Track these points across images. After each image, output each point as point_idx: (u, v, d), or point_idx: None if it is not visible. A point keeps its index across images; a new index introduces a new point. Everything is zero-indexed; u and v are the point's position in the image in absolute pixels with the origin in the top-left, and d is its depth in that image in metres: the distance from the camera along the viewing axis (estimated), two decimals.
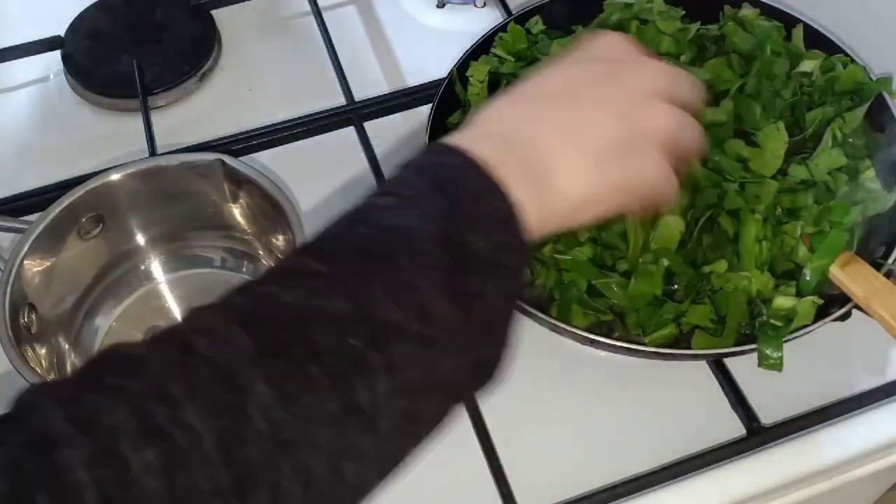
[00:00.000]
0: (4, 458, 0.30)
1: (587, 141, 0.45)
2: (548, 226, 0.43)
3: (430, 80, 0.78)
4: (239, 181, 0.63)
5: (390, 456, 0.38)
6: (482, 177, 0.41)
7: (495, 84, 0.71)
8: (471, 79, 0.71)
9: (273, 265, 0.42)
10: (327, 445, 0.34)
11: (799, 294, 0.58)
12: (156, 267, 0.68)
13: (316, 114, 0.78)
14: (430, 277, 0.38)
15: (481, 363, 0.40)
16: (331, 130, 0.78)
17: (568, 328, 0.58)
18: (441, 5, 0.88)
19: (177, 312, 0.66)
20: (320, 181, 0.74)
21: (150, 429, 0.31)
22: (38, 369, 0.55)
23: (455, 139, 0.43)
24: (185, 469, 0.31)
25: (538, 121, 0.45)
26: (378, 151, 0.75)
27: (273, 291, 0.37)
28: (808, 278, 0.59)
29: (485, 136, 0.44)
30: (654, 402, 0.61)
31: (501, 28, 0.74)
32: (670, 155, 0.47)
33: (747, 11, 0.71)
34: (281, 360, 0.34)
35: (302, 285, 0.37)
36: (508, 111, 0.46)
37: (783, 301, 0.57)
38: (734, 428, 0.59)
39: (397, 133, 0.77)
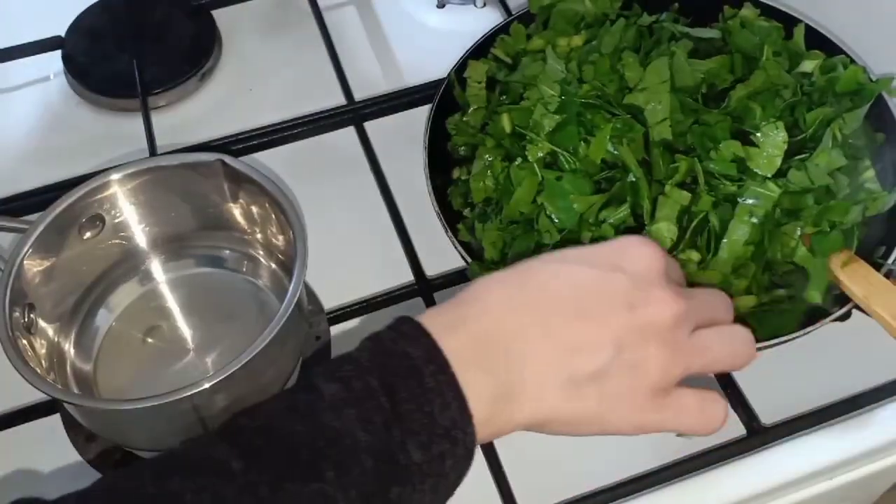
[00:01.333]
0: None
1: (571, 364, 0.42)
2: (497, 433, 0.42)
3: (430, 80, 0.78)
4: (239, 181, 0.63)
5: None
6: (439, 378, 0.39)
7: (493, 85, 0.72)
8: (469, 79, 0.71)
9: (188, 446, 0.39)
10: None
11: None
12: (156, 267, 0.68)
13: (316, 114, 0.78)
14: (351, 497, 0.37)
15: None
16: (331, 130, 0.78)
17: None
18: (441, 5, 0.88)
19: (177, 312, 0.66)
20: (320, 181, 0.74)
21: None
22: (37, 369, 0.55)
23: (429, 319, 0.42)
24: None
25: (525, 326, 0.42)
26: (378, 151, 0.75)
27: (177, 490, 0.36)
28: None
29: (462, 324, 0.42)
30: None
31: (502, 28, 0.74)
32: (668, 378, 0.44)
33: (747, 12, 0.71)
34: None
35: (211, 487, 0.36)
36: (498, 301, 0.43)
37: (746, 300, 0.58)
38: (734, 428, 0.59)
39: (397, 133, 0.77)
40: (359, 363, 0.40)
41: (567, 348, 0.42)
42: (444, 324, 0.41)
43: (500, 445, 0.57)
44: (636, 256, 0.45)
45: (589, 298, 0.43)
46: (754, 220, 0.58)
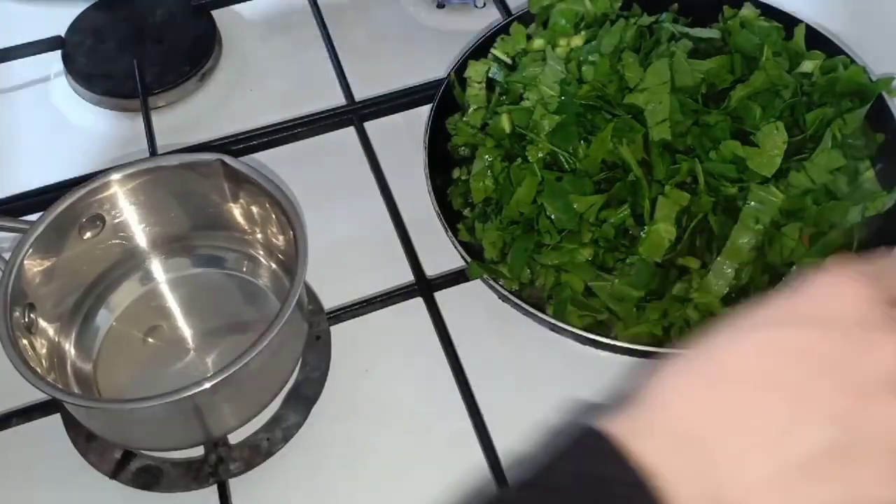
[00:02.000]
0: None
1: (789, 449, 0.34)
2: None
3: (430, 80, 0.78)
4: (239, 181, 0.63)
5: None
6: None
7: (493, 85, 0.72)
8: (469, 79, 0.71)
9: None
10: None
11: None
12: (156, 267, 0.68)
13: (316, 114, 0.78)
14: None
15: None
16: (331, 130, 0.78)
17: (567, 328, 0.58)
18: (441, 5, 0.88)
19: (177, 312, 0.66)
20: (320, 181, 0.74)
21: None
22: (38, 369, 0.55)
23: (617, 427, 0.35)
24: None
25: (724, 419, 0.35)
26: (378, 151, 0.75)
27: None
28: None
29: (656, 432, 0.35)
30: None
31: (502, 28, 0.74)
32: None
33: (747, 12, 0.71)
34: None
35: None
36: (685, 396, 0.36)
37: None
38: None
39: (397, 133, 0.77)
40: (565, 493, 0.35)
41: (778, 432, 0.35)
42: (635, 436, 0.35)
43: (499, 445, 0.57)
44: (830, 300, 0.37)
45: (785, 367, 0.36)
46: (760, 226, 0.58)
